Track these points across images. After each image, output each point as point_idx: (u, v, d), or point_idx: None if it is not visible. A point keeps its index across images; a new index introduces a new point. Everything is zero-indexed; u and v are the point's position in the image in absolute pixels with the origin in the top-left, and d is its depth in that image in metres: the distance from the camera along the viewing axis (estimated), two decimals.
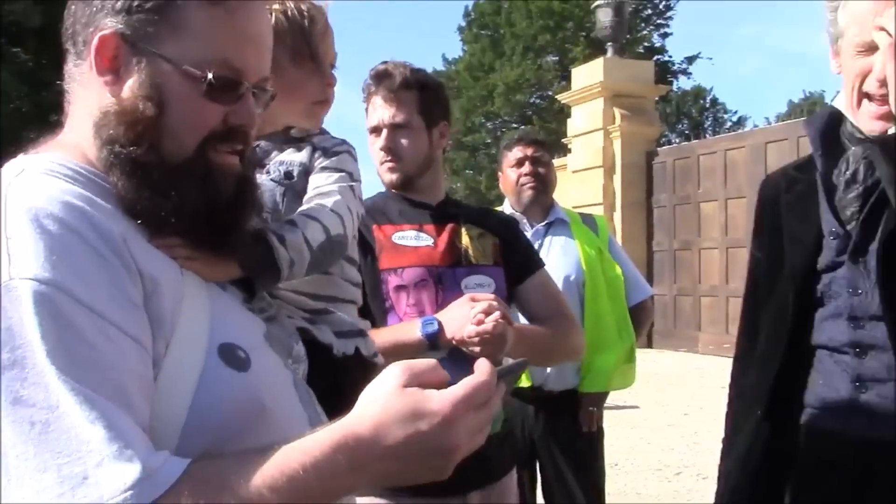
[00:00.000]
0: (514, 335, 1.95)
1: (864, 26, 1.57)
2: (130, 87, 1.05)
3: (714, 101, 43.56)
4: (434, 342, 1.93)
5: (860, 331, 1.60)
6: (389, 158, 2.18)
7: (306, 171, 1.49)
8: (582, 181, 14.35)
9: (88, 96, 1.07)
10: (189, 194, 1.05)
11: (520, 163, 3.29)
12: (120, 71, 1.05)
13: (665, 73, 28.48)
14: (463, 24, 34.56)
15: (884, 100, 1.55)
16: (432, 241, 2.13)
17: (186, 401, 0.94)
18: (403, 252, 2.11)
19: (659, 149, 14.49)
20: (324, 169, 1.49)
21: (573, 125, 15.07)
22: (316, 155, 1.51)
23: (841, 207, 1.65)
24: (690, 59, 34.07)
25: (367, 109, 2.24)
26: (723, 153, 12.70)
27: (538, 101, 30.82)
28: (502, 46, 31.63)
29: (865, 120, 1.62)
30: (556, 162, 15.29)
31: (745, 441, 1.75)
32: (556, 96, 16.54)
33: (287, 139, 1.54)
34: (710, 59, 70.80)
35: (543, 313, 2.19)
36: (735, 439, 1.80)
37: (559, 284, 3.14)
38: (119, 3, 1.05)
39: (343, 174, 1.48)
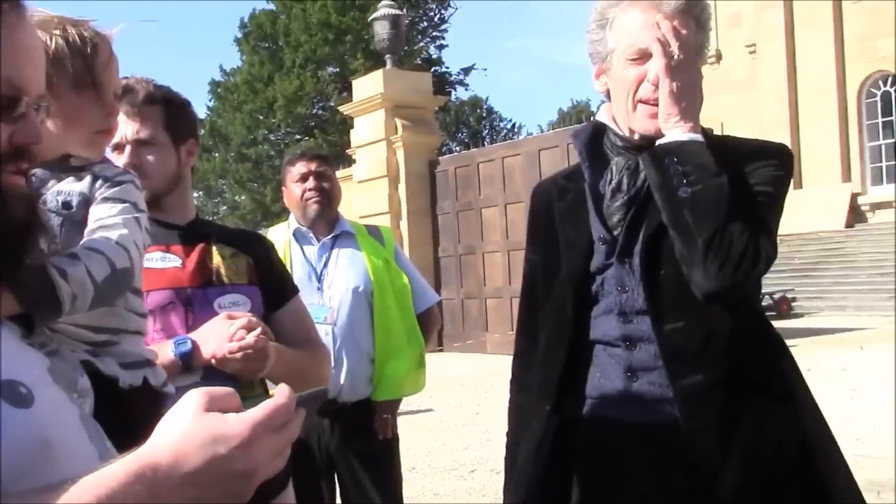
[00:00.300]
0: (276, 353, 1.90)
1: (637, 36, 1.69)
2: None
3: (490, 111, 45.29)
4: (188, 362, 1.85)
5: (629, 325, 1.72)
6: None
7: (87, 201, 1.46)
8: (368, 191, 14.49)
9: None
10: None
11: (303, 178, 3.30)
12: None
13: (443, 84, 29.31)
14: (239, 35, 33.94)
15: (652, 104, 1.68)
16: (180, 261, 2.02)
17: None
18: (148, 275, 1.91)
19: (440, 157, 14.87)
20: (106, 199, 1.46)
21: (356, 136, 15.19)
22: (97, 185, 1.47)
23: (608, 214, 1.77)
24: (466, 71, 35.26)
25: None
26: (500, 160, 13.23)
27: (321, 112, 30.80)
28: (281, 58, 31.33)
29: (642, 121, 1.72)
30: (341, 173, 15.47)
31: (535, 436, 1.83)
32: (339, 108, 16.62)
33: (66, 168, 1.49)
34: (485, 69, 73.20)
35: (297, 340, 2.12)
36: (522, 434, 1.89)
37: (348, 296, 3.19)
38: None
39: (127, 205, 1.46)
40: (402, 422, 3.41)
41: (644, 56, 1.68)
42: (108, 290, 1.32)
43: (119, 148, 2.03)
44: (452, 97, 30.84)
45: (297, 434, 0.97)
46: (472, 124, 44.02)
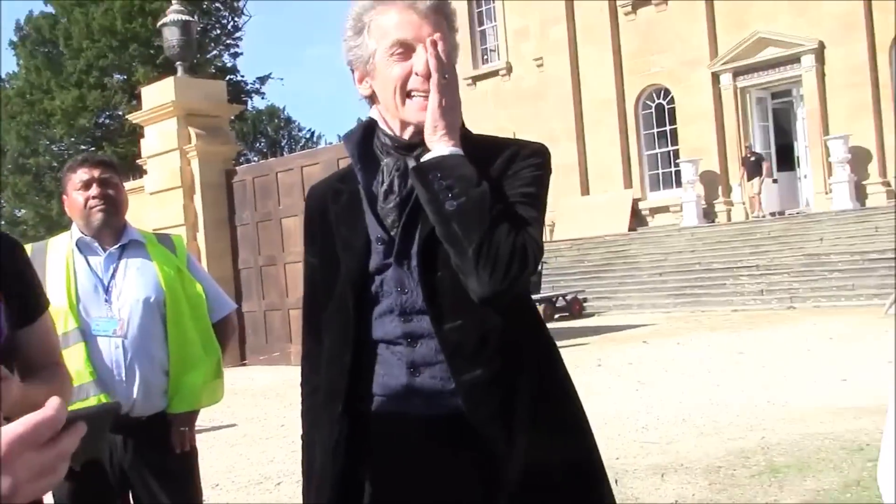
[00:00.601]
0: (19, 392, 1.57)
1: (398, 30, 1.74)
2: None
3: (288, 120, 44.80)
4: None
5: (409, 323, 1.78)
6: None
7: None
8: (161, 203, 13.96)
9: None
10: None
11: (86, 185, 3.12)
12: None
13: (238, 93, 28.69)
14: (15, 38, 31.72)
15: (426, 93, 1.72)
16: None
17: None
18: None
19: (238, 167, 14.56)
20: None
21: (147, 146, 14.59)
22: None
23: (383, 216, 1.81)
24: (262, 80, 34.70)
25: None
26: (299, 170, 13.09)
27: (108, 121, 29.32)
28: (61, 64, 29.55)
29: (414, 112, 1.75)
30: (133, 184, 14.81)
31: (329, 438, 1.85)
32: (128, 116, 15.90)
33: None
34: (282, 79, 72.21)
35: (41, 362, 1.83)
36: (316, 435, 1.91)
37: (139, 307, 3.05)
38: None
39: None
40: (204, 438, 3.31)
41: (408, 49, 1.73)
42: None
43: None
44: (249, 106, 30.24)
45: (71, 450, 0.91)
46: (270, 134, 43.41)
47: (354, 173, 1.87)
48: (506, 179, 1.76)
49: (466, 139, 1.79)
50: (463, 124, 1.81)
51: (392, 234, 1.79)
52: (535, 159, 1.80)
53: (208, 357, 3.21)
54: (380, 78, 1.80)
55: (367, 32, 1.79)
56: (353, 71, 1.87)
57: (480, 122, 27.82)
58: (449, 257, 1.70)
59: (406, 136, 1.80)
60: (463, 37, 28.64)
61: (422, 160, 1.72)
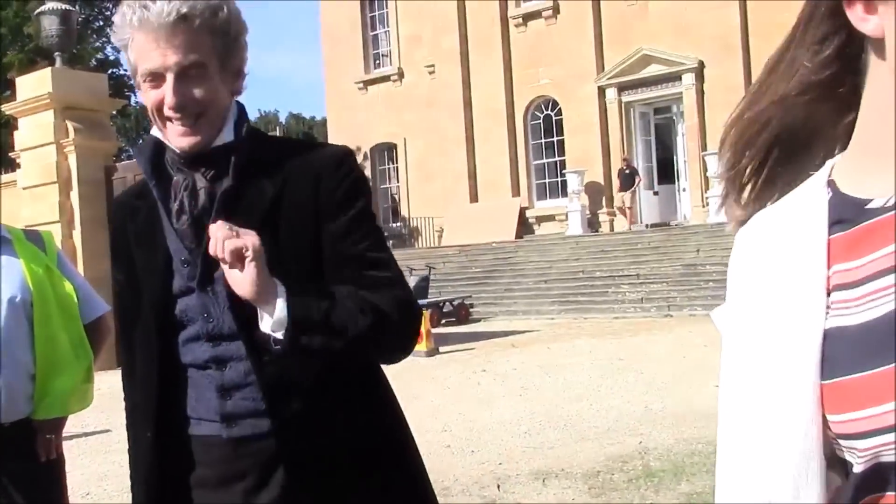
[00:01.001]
0: None
1: (143, 60, 1.69)
2: None
3: None
4: None
5: (218, 348, 1.72)
6: None
7: None
8: (35, 198, 13.34)
9: None
10: None
11: None
12: None
13: (121, 87, 27.69)
14: None
15: (181, 120, 1.69)
16: None
17: None
18: None
19: (118, 164, 14.04)
20: None
21: (21, 138, 13.93)
22: None
23: (180, 236, 1.75)
24: None
25: None
26: None
27: None
28: None
29: (175, 138, 1.72)
30: (5, 178, 14.07)
31: (144, 463, 1.82)
32: (1, 107, 15.14)
33: None
34: None
35: None
36: (136, 456, 1.87)
37: (2, 308, 2.89)
38: None
39: None
40: (75, 445, 3.15)
41: (158, 77, 1.69)
42: None
43: None
44: (132, 102, 29.23)
45: None
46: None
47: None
48: (329, 217, 1.71)
49: (258, 143, 1.77)
50: (248, 122, 1.80)
51: (193, 256, 1.73)
52: (346, 175, 1.76)
53: (79, 361, 3.07)
54: (143, 97, 1.76)
55: (129, 49, 1.73)
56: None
57: (372, 125, 27.83)
58: None
59: (182, 151, 1.74)
60: (355, 40, 28.62)
61: (272, 333, 1.61)
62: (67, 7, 14.57)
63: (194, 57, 1.66)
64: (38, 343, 2.94)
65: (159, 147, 1.77)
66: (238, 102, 1.82)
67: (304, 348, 1.60)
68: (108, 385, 3.30)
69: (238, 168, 1.72)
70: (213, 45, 1.70)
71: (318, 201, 1.72)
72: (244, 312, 1.64)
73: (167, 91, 1.67)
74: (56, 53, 14.20)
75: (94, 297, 3.34)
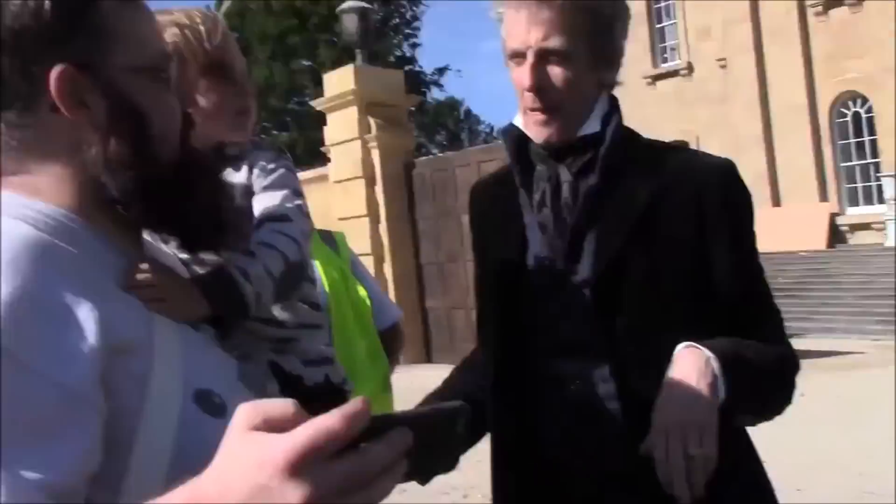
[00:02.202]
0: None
1: (512, 35, 1.60)
2: (104, 110, 1.05)
3: (468, 113, 44.76)
4: None
5: (571, 363, 1.60)
6: None
7: (248, 191, 1.51)
8: (346, 192, 13.70)
9: (50, 137, 1.04)
10: (197, 190, 1.10)
11: None
12: (87, 100, 1.04)
13: (416, 83, 28.49)
14: None
15: (537, 109, 1.60)
16: None
17: (167, 452, 0.93)
18: None
19: (416, 160, 14.12)
20: (265, 189, 1.50)
21: (330, 134, 14.38)
22: (255, 174, 1.52)
23: (541, 229, 1.65)
24: (440, 71, 34.47)
25: None
26: (476, 165, 12.52)
27: (296, 107, 29.69)
28: (251, 50, 30.43)
29: (531, 128, 1.64)
30: (318, 171, 14.48)
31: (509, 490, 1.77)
32: (311, 103, 15.73)
33: (222, 158, 1.50)
34: (459, 71, 73.11)
35: None
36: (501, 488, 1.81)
37: None
38: (53, 34, 1.01)
39: (286, 192, 1.50)
40: None
41: (520, 57, 1.61)
42: (285, 285, 1.36)
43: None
44: (428, 98, 30.07)
45: (385, 463, 0.78)
46: (450, 127, 43.41)
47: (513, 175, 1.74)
48: (716, 241, 1.57)
49: (629, 141, 1.65)
50: (620, 116, 1.67)
51: (554, 254, 1.63)
52: (736, 194, 1.63)
53: (376, 369, 2.97)
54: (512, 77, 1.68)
55: (503, 25, 1.65)
56: None
57: (662, 123, 26.55)
58: (635, 294, 1.54)
59: (537, 141, 1.65)
60: (641, 34, 27.55)
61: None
62: (365, 5, 14.86)
63: (557, 40, 1.56)
64: (336, 350, 2.50)
65: (524, 133, 1.69)
66: (611, 95, 1.71)
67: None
68: (421, 381, 2.96)
69: (606, 164, 1.62)
70: (583, 27, 1.59)
71: (702, 218, 1.58)
72: (610, 326, 1.55)
73: (525, 72, 1.60)
74: (357, 50, 14.46)
75: (386, 302, 3.25)
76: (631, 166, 1.63)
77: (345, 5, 14.79)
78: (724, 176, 1.62)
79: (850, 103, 22.65)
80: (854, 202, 22.60)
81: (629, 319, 1.54)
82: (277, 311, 1.49)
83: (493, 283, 1.74)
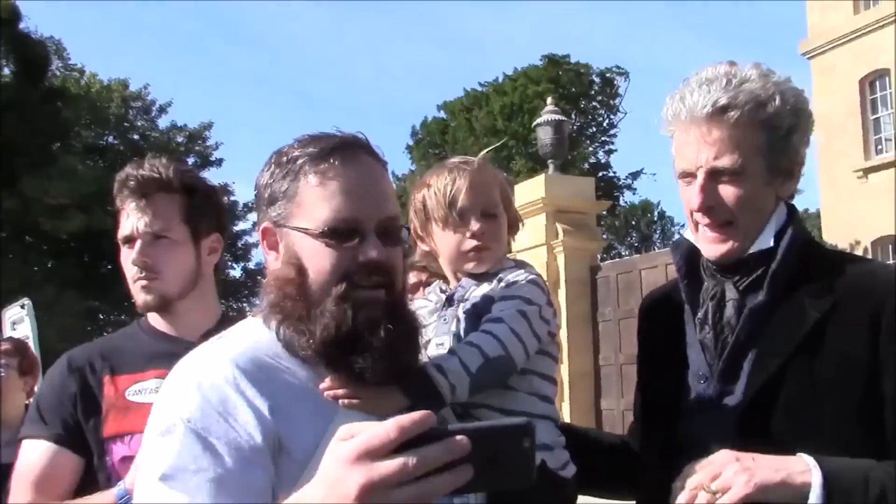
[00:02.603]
0: None
1: (681, 156, 1.58)
2: (280, 257, 1.43)
3: (662, 215, 44.42)
4: None
5: None
6: (143, 275, 1.86)
7: (490, 299, 1.66)
8: None
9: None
10: (338, 324, 1.32)
11: (414, 288, 3.10)
12: (278, 248, 1.44)
13: (611, 188, 29.07)
14: (411, 142, 35.11)
15: (709, 226, 1.55)
16: None
17: None
18: (137, 412, 1.73)
19: (602, 263, 14.47)
20: (501, 298, 1.64)
21: (518, 240, 14.95)
22: (499, 286, 1.68)
23: (703, 348, 1.59)
24: (634, 175, 34.84)
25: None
26: (663, 267, 12.60)
27: None
28: None
29: (703, 244, 1.59)
30: None
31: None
32: None
33: (483, 275, 1.74)
34: (654, 174, 72.10)
35: None
36: None
37: None
38: (265, 198, 1.44)
39: (516, 300, 1.61)
40: None
41: (689, 176, 1.58)
42: (483, 376, 1.47)
43: (129, 242, 1.83)
44: (621, 201, 30.42)
45: (441, 461, 0.97)
46: (642, 228, 43.29)
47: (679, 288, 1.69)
48: (887, 351, 1.40)
49: (804, 254, 1.53)
50: (797, 229, 1.57)
51: (710, 373, 1.56)
52: None
53: None
54: (681, 195, 1.67)
55: (673, 145, 1.65)
56: None
57: (873, 217, 25.37)
58: (787, 418, 1.40)
59: (708, 257, 1.59)
60: (853, 126, 26.58)
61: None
62: (561, 118, 15.60)
63: (728, 159, 1.51)
64: None
65: (694, 248, 1.66)
66: (790, 205, 1.64)
67: None
68: None
69: (775, 281, 1.52)
70: (758, 142, 1.54)
71: (875, 338, 1.43)
72: (755, 450, 1.42)
73: (694, 191, 1.56)
74: (550, 161, 15.20)
75: None
76: (804, 282, 1.51)
77: (541, 119, 15.61)
78: None
79: None
80: None
81: (776, 447, 1.41)
82: (507, 401, 1.56)
83: (651, 401, 1.70)
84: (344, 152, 1.40)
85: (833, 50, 27.45)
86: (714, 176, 1.53)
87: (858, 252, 26.42)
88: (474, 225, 1.74)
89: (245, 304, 32.70)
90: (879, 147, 26.52)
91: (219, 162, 31.69)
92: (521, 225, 1.90)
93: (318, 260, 1.37)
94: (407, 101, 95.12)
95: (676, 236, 1.70)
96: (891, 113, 26.08)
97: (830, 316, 1.47)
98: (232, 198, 31.64)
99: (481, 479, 1.02)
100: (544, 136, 15.27)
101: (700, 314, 1.61)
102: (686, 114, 1.55)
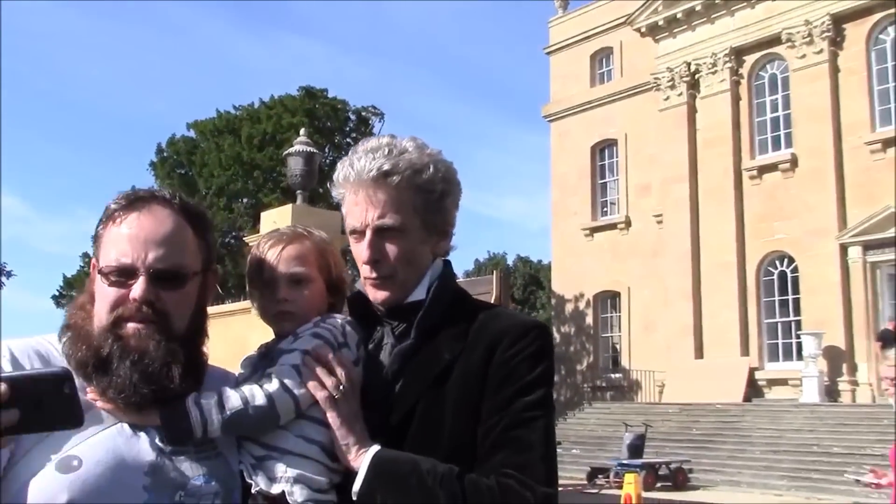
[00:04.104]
0: None
1: (351, 215, 1.74)
2: (87, 286, 1.71)
3: None
4: None
5: None
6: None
7: (281, 351, 1.75)
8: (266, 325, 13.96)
9: None
10: (98, 348, 1.57)
11: None
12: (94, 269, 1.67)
13: None
14: (155, 159, 33.68)
15: (373, 277, 1.74)
16: None
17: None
18: None
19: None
20: (285, 352, 1.73)
21: None
22: (291, 339, 1.76)
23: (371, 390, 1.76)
24: None
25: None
26: None
27: (232, 241, 30.45)
28: (196, 185, 31.15)
29: (370, 291, 1.77)
30: (239, 305, 14.89)
31: None
32: (245, 238, 16.32)
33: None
34: None
35: None
36: None
37: None
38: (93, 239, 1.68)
39: (295, 353, 1.71)
40: None
41: (358, 234, 1.74)
42: (237, 420, 1.63)
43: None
44: None
45: None
46: None
47: None
48: (494, 383, 1.66)
49: (450, 304, 1.77)
50: (445, 282, 1.80)
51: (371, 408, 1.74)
52: (527, 346, 1.68)
53: None
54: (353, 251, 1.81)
55: (343, 205, 1.79)
56: None
57: (596, 272, 27.54)
58: (424, 436, 1.66)
59: (374, 302, 1.78)
60: (584, 188, 28.83)
61: (354, 487, 1.63)
62: (311, 150, 15.59)
63: (391, 218, 1.71)
64: None
65: (365, 296, 1.81)
66: (445, 261, 1.84)
67: None
68: None
69: (420, 328, 1.73)
70: (415, 203, 1.74)
71: (488, 370, 1.67)
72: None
73: (363, 247, 1.72)
74: (298, 192, 15.15)
75: None
76: (446, 328, 1.72)
77: (292, 149, 15.53)
78: (523, 332, 1.69)
79: (777, 262, 23.60)
80: (774, 357, 23.22)
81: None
82: (275, 440, 1.67)
83: None
84: (142, 202, 1.62)
85: (570, 116, 29.69)
86: (379, 233, 1.72)
87: (581, 304, 28.60)
88: (279, 291, 1.82)
89: None
90: (605, 209, 28.89)
91: None
92: (348, 287, 1.92)
93: (100, 295, 1.61)
94: (154, 116, 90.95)
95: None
96: (616, 179, 28.53)
97: (461, 355, 1.69)
98: None
99: (29, 421, 1.23)
100: (294, 166, 15.14)
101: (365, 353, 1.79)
102: (355, 177, 1.73)
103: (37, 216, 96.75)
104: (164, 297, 1.59)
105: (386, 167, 1.71)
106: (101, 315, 1.60)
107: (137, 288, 1.56)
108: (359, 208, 1.72)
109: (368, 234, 1.71)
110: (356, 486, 1.62)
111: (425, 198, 1.75)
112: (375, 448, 1.63)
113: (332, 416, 1.66)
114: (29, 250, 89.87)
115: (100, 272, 1.60)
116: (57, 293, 38.15)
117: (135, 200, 1.62)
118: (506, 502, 1.57)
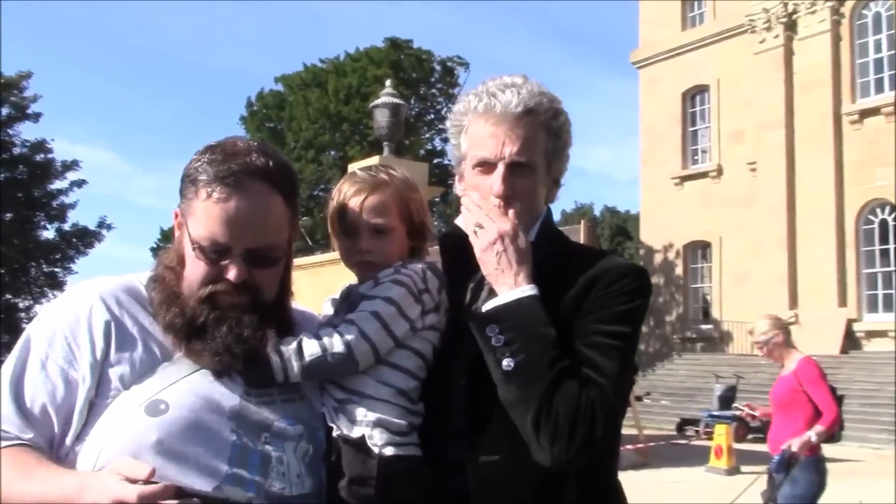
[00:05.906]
0: None
1: (480, 147, 1.73)
2: (176, 241, 1.71)
3: None
4: None
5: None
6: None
7: (362, 296, 1.77)
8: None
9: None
10: (193, 317, 1.62)
11: None
12: (180, 229, 1.68)
13: (445, 175, 29.41)
14: (245, 114, 34.23)
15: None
16: None
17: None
18: None
19: (430, 248, 14.62)
20: (363, 299, 1.75)
21: None
22: (371, 285, 1.77)
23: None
24: None
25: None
26: None
27: (321, 194, 30.90)
28: (285, 138, 31.60)
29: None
30: (328, 256, 15.16)
31: None
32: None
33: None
34: None
35: None
36: None
37: None
38: (182, 185, 1.65)
39: (375, 301, 1.72)
40: None
41: (487, 166, 1.73)
42: (316, 367, 1.66)
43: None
44: (454, 189, 30.94)
45: None
46: None
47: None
48: (586, 312, 1.66)
49: (557, 247, 1.79)
50: (553, 225, 1.83)
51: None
52: (625, 285, 1.68)
53: None
54: (468, 184, 1.79)
55: (464, 134, 1.78)
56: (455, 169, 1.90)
57: (686, 222, 26.97)
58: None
59: None
60: (673, 136, 28.16)
61: (483, 309, 1.66)
62: (398, 101, 15.60)
63: (526, 155, 1.71)
64: None
65: (464, 235, 1.77)
66: (547, 207, 1.85)
67: (484, 339, 1.63)
68: None
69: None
70: (546, 147, 1.75)
71: (585, 302, 1.68)
72: (477, 411, 1.67)
73: (496, 180, 1.71)
74: (385, 143, 15.19)
75: None
76: (552, 268, 1.71)
77: (378, 101, 15.57)
78: (622, 274, 1.70)
79: (878, 210, 22.73)
80: (873, 308, 22.48)
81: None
82: (358, 384, 1.70)
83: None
84: (237, 179, 1.58)
85: (660, 62, 28.91)
86: (512, 168, 1.70)
87: (671, 254, 28.13)
88: (360, 241, 1.82)
89: (57, 269, 30.86)
90: (696, 158, 28.19)
91: (36, 116, 29.59)
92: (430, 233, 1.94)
93: (192, 264, 1.63)
94: (243, 70, 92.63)
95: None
96: (708, 126, 27.76)
97: (565, 294, 1.69)
98: (49, 155, 29.74)
99: None
100: (381, 118, 15.22)
101: (468, 295, 1.75)
102: (501, 108, 1.70)
103: (133, 171, 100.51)
104: (257, 274, 1.64)
105: (531, 105, 1.71)
106: (192, 284, 1.63)
107: (233, 270, 1.59)
108: (495, 140, 1.71)
109: (501, 167, 1.70)
110: (489, 305, 1.65)
111: (555, 143, 1.76)
112: (533, 289, 1.64)
113: (482, 261, 1.67)
114: (127, 205, 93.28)
115: (192, 242, 1.61)
116: (154, 245, 39.41)
117: (228, 176, 1.58)
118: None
